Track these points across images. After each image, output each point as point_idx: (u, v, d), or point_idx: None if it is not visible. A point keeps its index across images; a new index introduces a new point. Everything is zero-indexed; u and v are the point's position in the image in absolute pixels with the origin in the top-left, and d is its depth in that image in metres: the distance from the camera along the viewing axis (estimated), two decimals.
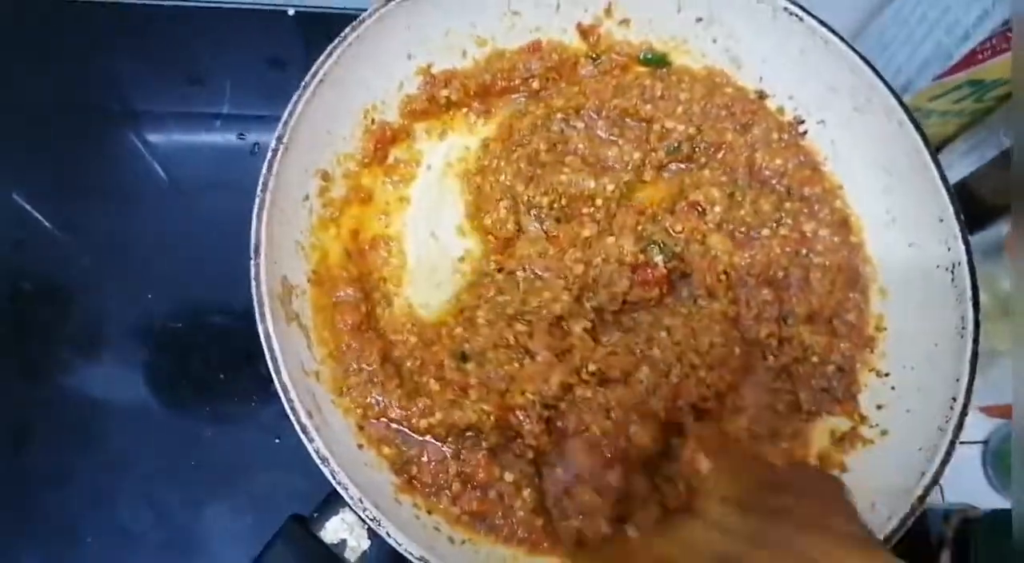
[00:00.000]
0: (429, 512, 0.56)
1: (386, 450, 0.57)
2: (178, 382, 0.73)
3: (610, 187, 0.64)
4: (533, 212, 0.65)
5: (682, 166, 0.68)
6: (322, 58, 0.58)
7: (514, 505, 0.56)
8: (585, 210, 0.65)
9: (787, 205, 0.66)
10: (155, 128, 0.84)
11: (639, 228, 0.64)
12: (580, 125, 0.67)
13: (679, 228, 0.64)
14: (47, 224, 0.79)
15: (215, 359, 0.73)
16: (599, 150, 0.66)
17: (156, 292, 0.76)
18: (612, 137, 0.67)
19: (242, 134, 0.81)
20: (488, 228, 0.65)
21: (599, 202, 0.65)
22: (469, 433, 0.57)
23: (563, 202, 0.65)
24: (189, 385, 0.73)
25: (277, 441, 0.70)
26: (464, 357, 0.59)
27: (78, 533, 0.68)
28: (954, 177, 0.82)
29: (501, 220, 0.65)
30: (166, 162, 0.82)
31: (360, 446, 0.56)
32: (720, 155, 0.67)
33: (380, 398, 0.57)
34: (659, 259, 0.63)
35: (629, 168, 0.66)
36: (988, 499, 0.79)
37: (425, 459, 0.57)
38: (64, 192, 0.80)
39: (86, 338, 0.75)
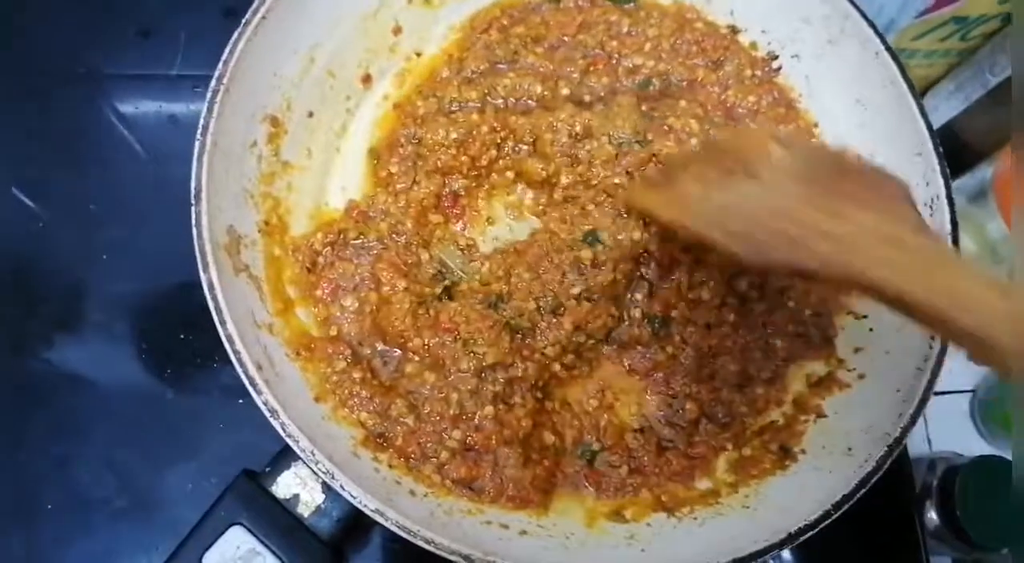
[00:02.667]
0: (390, 467, 0.54)
1: (363, 415, 0.55)
2: (138, 345, 0.71)
3: (564, 90, 0.61)
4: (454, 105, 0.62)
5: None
6: None
7: (507, 464, 0.54)
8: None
9: None
10: (123, 97, 0.80)
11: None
12: (539, 50, 0.64)
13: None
14: (23, 198, 0.77)
15: (174, 321, 0.71)
16: (558, 66, 0.64)
17: (114, 256, 0.73)
18: (574, 57, 0.64)
19: (197, 86, 0.78)
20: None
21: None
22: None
23: (501, 93, 0.62)
24: (149, 348, 0.71)
25: (240, 402, 0.68)
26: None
27: (38, 500, 0.66)
28: (940, 120, 0.80)
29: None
30: (138, 132, 0.80)
31: (317, 399, 0.54)
32: (692, 93, 0.65)
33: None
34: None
35: (599, 93, 0.63)
36: (976, 449, 0.77)
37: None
38: (37, 164, 0.78)
39: (45, 306, 0.73)
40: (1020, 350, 0.33)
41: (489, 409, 0.55)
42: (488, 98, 0.62)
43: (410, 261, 0.58)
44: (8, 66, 0.80)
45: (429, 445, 0.54)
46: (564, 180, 0.60)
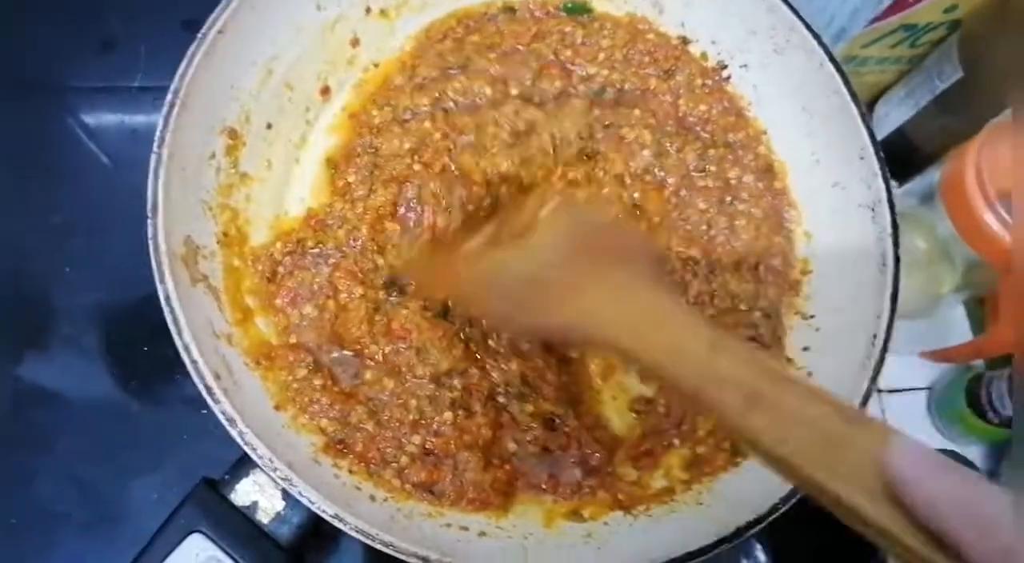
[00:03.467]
0: (351, 472, 0.54)
1: (323, 422, 0.56)
2: (104, 356, 0.71)
3: (514, 90, 0.62)
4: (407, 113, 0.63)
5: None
6: (220, 6, 0.56)
7: (467, 468, 0.55)
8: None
9: (711, 152, 0.65)
10: (86, 109, 0.81)
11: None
12: (492, 55, 0.65)
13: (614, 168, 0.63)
14: None
15: (139, 332, 0.71)
16: (513, 70, 0.65)
17: (78, 268, 0.73)
18: (528, 61, 0.65)
19: (157, 99, 0.78)
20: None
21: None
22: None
23: (451, 96, 0.63)
24: (114, 359, 0.71)
25: (203, 412, 0.68)
26: None
27: (2, 515, 0.66)
28: (892, 125, 0.82)
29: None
30: (102, 144, 0.80)
31: (277, 408, 0.55)
32: (645, 102, 0.66)
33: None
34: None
35: (550, 95, 0.64)
36: (934, 444, 0.79)
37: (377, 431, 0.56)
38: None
39: (10, 319, 0.72)
40: (710, 396, 0.38)
41: (448, 414, 0.56)
42: (439, 102, 0.63)
43: (367, 267, 0.59)
44: None
45: (389, 450, 0.55)
46: None
